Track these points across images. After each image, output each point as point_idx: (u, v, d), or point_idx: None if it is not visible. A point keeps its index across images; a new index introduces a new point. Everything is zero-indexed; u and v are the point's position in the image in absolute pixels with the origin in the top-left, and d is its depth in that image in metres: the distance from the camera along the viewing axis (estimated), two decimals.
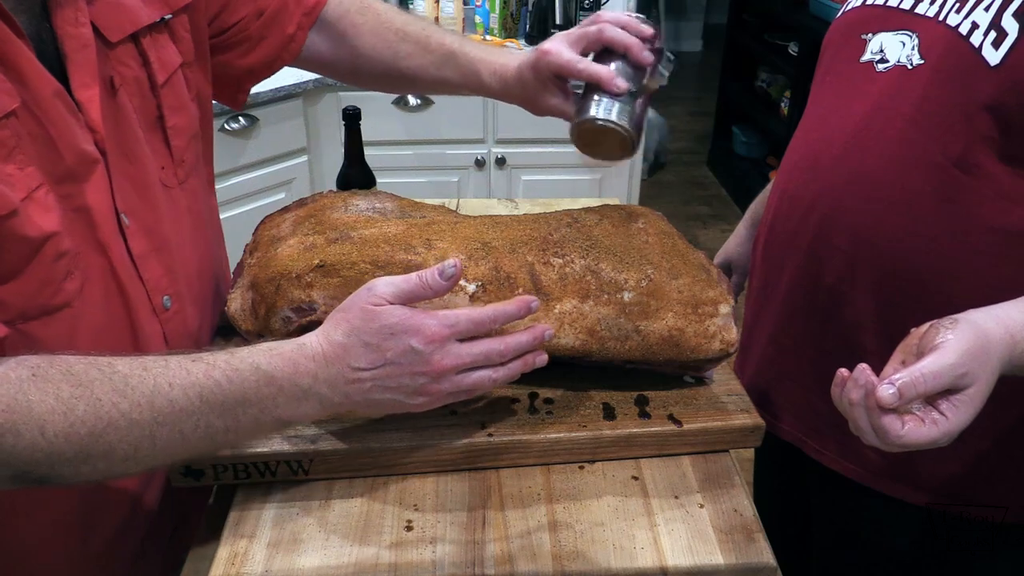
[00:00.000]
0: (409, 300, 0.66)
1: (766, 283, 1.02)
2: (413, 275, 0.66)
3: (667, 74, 0.83)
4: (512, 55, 0.93)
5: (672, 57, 0.83)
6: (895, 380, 0.60)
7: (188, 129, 0.82)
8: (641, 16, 0.83)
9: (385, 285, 0.66)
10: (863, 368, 0.62)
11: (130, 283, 0.73)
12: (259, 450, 0.75)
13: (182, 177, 0.82)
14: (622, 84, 0.80)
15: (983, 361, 0.63)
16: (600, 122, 0.80)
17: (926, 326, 0.66)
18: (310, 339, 0.66)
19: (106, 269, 0.71)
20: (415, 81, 0.99)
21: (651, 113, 3.61)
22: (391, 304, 0.65)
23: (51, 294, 0.65)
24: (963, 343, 0.62)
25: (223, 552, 0.70)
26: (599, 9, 2.71)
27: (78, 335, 0.68)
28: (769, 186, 1.20)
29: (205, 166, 0.90)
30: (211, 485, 0.77)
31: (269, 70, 0.98)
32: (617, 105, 0.80)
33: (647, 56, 0.81)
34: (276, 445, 0.76)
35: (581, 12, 2.67)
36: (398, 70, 0.98)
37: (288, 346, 0.66)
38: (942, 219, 0.81)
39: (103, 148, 0.69)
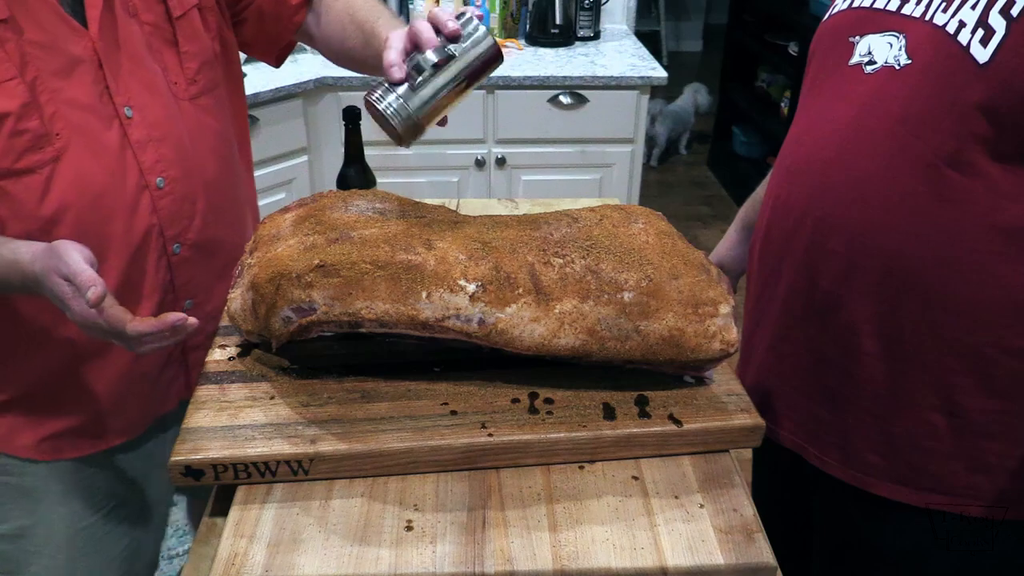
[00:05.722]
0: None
1: (763, 290, 1.01)
2: (87, 282, 0.76)
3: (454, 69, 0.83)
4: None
5: (452, 52, 0.82)
6: None
7: (200, 55, 1.00)
8: (464, 14, 0.82)
9: (65, 271, 0.77)
10: None
11: (125, 163, 0.92)
12: (259, 450, 0.75)
13: (193, 93, 1.00)
14: (395, 74, 0.81)
15: None
16: (369, 102, 0.83)
17: None
18: (28, 255, 0.81)
19: (91, 150, 0.89)
20: (353, 59, 1.13)
21: (660, 104, 3.60)
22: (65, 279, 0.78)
23: (12, 160, 0.84)
24: None
25: (223, 552, 0.70)
26: (599, 9, 2.71)
27: (50, 193, 0.87)
28: (759, 190, 1.19)
29: (229, 98, 1.09)
30: (211, 484, 0.77)
31: (276, 45, 1.16)
32: (392, 95, 0.82)
33: (428, 39, 0.81)
34: (276, 445, 0.76)
35: (581, 12, 2.66)
36: (344, 50, 1.13)
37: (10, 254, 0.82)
38: (937, 219, 0.81)
39: (98, 51, 0.88)
